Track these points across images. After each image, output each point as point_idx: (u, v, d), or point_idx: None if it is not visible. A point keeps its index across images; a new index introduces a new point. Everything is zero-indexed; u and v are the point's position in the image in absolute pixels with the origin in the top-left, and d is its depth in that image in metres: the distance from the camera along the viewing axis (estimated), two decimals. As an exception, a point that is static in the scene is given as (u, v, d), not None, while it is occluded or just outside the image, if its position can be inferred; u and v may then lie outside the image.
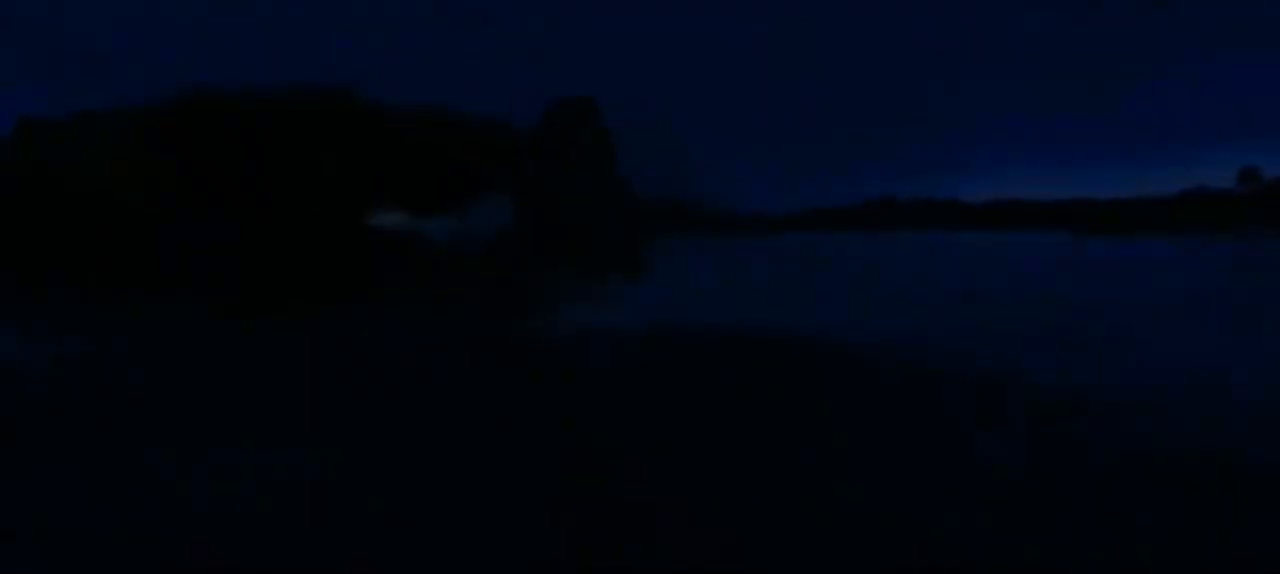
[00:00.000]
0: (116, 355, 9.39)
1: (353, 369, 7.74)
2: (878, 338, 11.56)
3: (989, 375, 8.28)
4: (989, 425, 6.09)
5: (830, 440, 5.64)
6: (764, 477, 4.75)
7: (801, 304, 18.83)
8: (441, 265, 20.01)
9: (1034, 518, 4.26)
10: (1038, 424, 6.18)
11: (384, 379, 7.39)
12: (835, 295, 22.11)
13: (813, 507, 4.21)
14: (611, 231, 9.62)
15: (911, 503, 4.46)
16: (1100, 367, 9.63)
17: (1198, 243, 53.80)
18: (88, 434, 5.88)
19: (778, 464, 5.08)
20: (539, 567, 3.54)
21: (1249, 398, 8.41)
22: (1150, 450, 5.60)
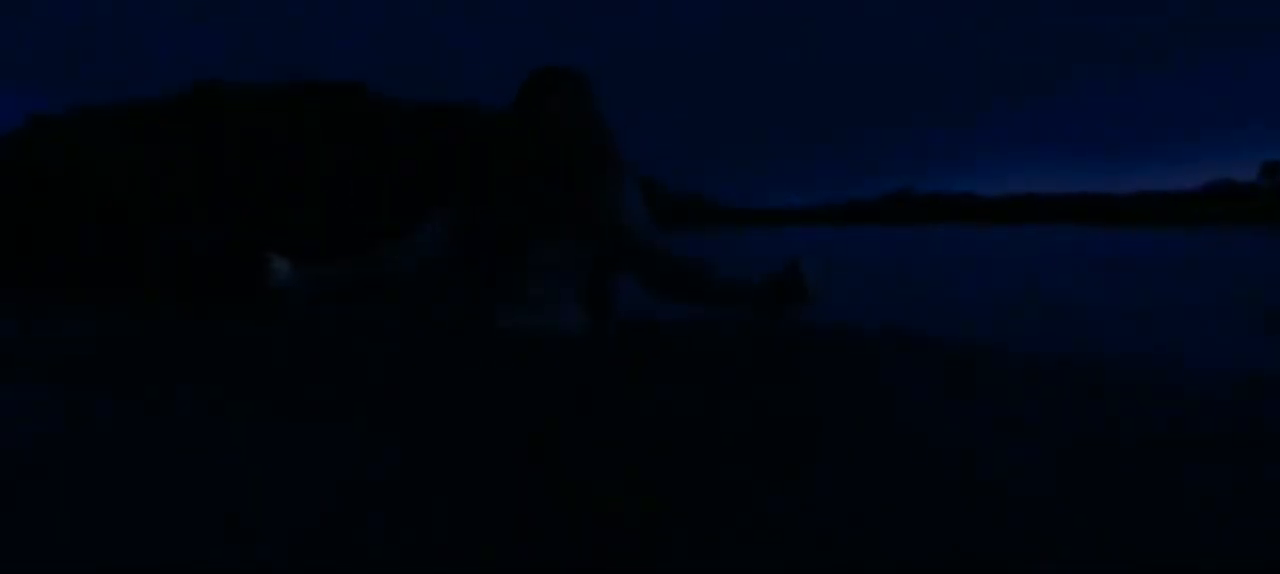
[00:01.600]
0: (117, 352, 9.30)
1: (351, 367, 7.59)
2: (885, 334, 11.29)
3: (1005, 369, 8.04)
4: (1003, 423, 5.84)
5: (834, 440, 5.41)
6: (766, 477, 4.55)
7: (811, 300, 18.56)
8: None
9: (1040, 519, 4.02)
10: (1054, 421, 5.93)
11: (379, 378, 7.24)
12: (846, 291, 21.94)
13: (816, 508, 4.00)
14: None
15: (917, 505, 4.23)
16: (1122, 358, 9.36)
17: (1221, 237, 53.09)
18: (87, 429, 5.74)
19: (781, 465, 4.87)
20: (536, 567, 3.36)
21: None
22: (1172, 444, 5.34)
